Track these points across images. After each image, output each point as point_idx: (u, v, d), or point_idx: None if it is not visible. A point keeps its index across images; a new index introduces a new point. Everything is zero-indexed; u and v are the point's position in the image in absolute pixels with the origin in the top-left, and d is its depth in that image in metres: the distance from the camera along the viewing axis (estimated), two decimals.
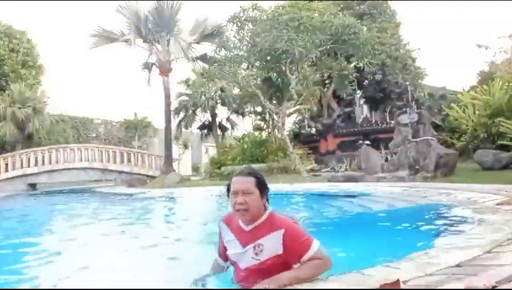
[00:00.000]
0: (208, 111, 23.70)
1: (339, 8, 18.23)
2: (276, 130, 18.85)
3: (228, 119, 25.53)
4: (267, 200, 2.27)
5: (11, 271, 4.07)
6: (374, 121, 19.39)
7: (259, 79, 17.77)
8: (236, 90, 21.28)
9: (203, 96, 21.47)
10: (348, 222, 6.36)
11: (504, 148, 11.61)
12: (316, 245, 2.13)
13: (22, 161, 19.69)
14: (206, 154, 30.75)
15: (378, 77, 18.35)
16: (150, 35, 19.78)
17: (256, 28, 15.67)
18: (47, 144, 23.14)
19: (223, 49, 16.45)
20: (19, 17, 52.82)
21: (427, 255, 2.62)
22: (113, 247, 5.08)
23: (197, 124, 25.31)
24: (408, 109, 12.39)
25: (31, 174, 19.72)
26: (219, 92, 22.35)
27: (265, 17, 15.79)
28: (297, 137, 21.01)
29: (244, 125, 24.90)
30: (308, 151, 18.03)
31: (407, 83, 17.22)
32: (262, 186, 2.24)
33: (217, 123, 24.73)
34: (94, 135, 29.03)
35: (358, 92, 20.12)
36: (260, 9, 16.38)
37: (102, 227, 7.10)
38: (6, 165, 19.36)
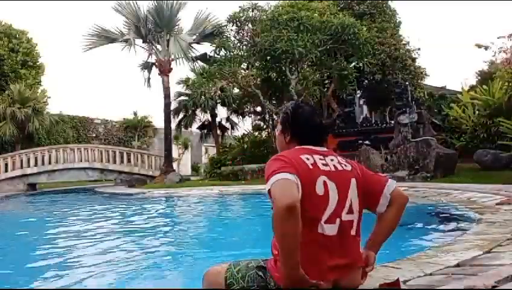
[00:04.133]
0: (208, 111, 23.69)
1: (339, 8, 18.19)
2: (276, 130, 18.79)
3: (228, 119, 25.52)
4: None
5: (11, 272, 4.07)
6: (373, 121, 19.35)
7: (259, 79, 17.74)
8: (236, 90, 21.28)
9: (202, 96, 21.44)
10: None
11: (504, 148, 11.62)
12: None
13: (21, 161, 19.64)
14: (206, 154, 30.79)
15: (378, 77, 18.28)
16: (149, 35, 19.76)
17: (256, 28, 15.67)
18: (47, 144, 23.13)
19: (223, 49, 16.42)
20: (19, 17, 52.87)
21: (427, 255, 2.63)
22: (113, 247, 5.08)
23: (196, 124, 25.33)
24: (408, 109, 12.39)
25: (31, 174, 19.67)
26: (219, 92, 22.34)
27: (265, 17, 15.78)
28: None
29: (244, 125, 24.90)
30: None
31: (407, 83, 17.17)
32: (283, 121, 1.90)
33: (217, 123, 24.72)
34: (94, 135, 29.00)
35: (358, 92, 20.09)
36: (260, 9, 16.37)
37: (101, 227, 7.10)
38: (6, 165, 19.30)
